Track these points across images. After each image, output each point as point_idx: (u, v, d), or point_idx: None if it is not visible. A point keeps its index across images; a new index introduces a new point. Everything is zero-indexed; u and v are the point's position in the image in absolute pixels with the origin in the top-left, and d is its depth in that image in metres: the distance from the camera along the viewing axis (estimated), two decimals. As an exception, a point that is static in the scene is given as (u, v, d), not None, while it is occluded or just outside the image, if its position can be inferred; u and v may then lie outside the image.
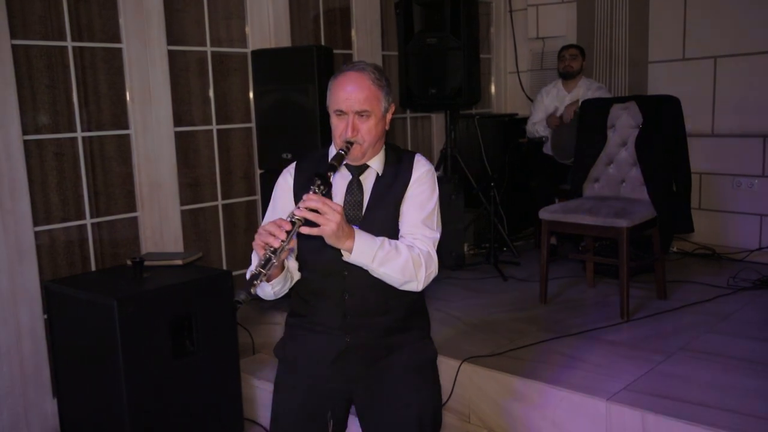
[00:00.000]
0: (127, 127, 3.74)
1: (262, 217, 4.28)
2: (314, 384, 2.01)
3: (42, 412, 3.41)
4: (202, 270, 3.39)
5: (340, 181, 1.95)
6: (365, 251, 1.76)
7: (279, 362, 2.10)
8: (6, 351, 3.27)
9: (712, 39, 4.94)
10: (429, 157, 5.58)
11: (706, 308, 3.66)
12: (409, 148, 5.44)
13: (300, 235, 1.72)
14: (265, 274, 1.62)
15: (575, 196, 4.08)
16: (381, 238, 1.81)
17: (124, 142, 3.74)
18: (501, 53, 6.16)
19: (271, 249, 1.63)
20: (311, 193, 1.70)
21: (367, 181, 1.95)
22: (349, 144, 1.85)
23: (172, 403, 3.07)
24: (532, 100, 5.44)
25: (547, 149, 5.02)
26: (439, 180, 5.05)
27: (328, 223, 1.66)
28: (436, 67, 4.74)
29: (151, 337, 2.97)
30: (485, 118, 5.61)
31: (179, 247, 3.94)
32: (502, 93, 6.22)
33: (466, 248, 4.97)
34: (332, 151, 1.97)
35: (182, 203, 3.98)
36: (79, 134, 3.57)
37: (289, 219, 1.67)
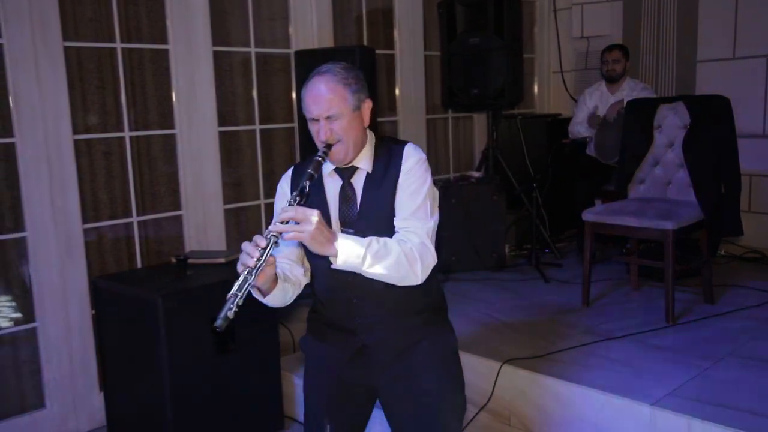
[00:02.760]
0: (172, 127, 3.80)
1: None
2: (337, 379, 2.03)
3: (90, 405, 3.49)
4: (245, 268, 3.42)
5: (333, 186, 1.95)
6: (352, 254, 1.73)
7: (305, 356, 2.14)
8: (56, 345, 3.37)
9: (763, 37, 4.81)
10: (470, 157, 5.57)
11: (755, 313, 3.56)
12: (451, 149, 5.44)
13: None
14: (241, 296, 1.62)
15: (620, 198, 4.02)
16: (369, 238, 1.77)
17: (169, 142, 3.81)
18: (544, 53, 6.09)
19: (248, 269, 1.64)
20: (286, 206, 1.71)
21: (358, 182, 1.93)
22: (328, 147, 1.84)
23: (214, 399, 3.11)
24: (575, 100, 5.37)
25: (591, 150, 4.95)
26: (481, 180, 5.02)
27: (305, 229, 1.65)
28: (479, 68, 4.72)
29: (194, 334, 3.02)
30: (528, 119, 5.56)
31: (222, 246, 4.00)
32: (546, 93, 6.16)
33: (507, 249, 4.94)
34: None
35: (225, 202, 4.04)
36: (127, 134, 3.64)
37: (265, 236, 1.67)
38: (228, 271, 3.31)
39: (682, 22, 5.11)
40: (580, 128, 5.01)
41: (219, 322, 1.60)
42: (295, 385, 3.54)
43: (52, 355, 3.36)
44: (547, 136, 5.36)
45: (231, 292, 1.63)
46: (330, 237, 1.71)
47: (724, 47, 5.00)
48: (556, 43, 5.95)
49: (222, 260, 3.43)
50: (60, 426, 3.40)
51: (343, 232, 1.82)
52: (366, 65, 3.86)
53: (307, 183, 1.76)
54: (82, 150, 3.48)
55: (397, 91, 4.95)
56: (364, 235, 1.79)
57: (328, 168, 1.93)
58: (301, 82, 4.03)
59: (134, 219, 3.69)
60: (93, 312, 3.43)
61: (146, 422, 3.15)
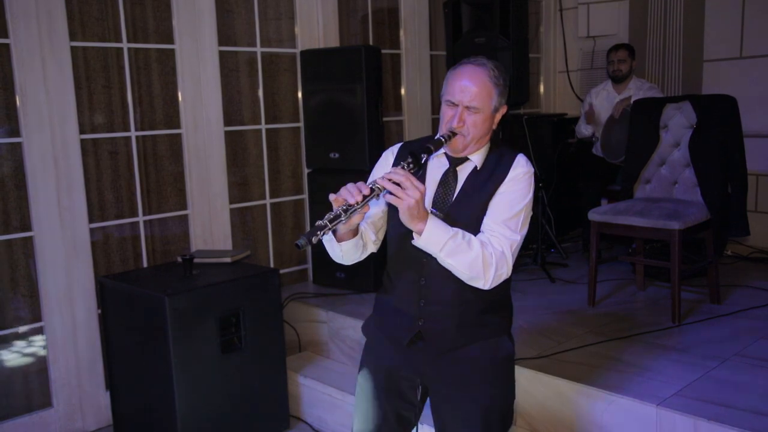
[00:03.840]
0: (178, 127, 3.81)
1: (311, 216, 4.30)
2: (391, 366, 2.04)
3: (95, 404, 3.51)
4: (250, 268, 3.43)
5: (437, 168, 1.98)
6: (435, 238, 1.76)
7: (366, 339, 2.15)
8: (62, 344, 3.38)
9: (771, 36, 4.80)
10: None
11: (762, 314, 3.55)
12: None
13: (390, 211, 1.77)
14: (329, 228, 1.65)
15: (625, 198, 4.01)
16: (456, 229, 1.80)
17: (175, 141, 3.82)
18: (550, 52, 6.08)
19: (344, 206, 1.67)
20: (399, 167, 1.74)
21: (463, 173, 1.96)
22: (452, 134, 1.88)
23: (220, 398, 3.12)
24: (581, 100, 5.35)
25: (597, 150, 4.94)
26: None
27: (407, 198, 1.68)
28: (485, 67, 4.70)
29: (200, 333, 3.03)
30: (533, 118, 5.53)
31: (228, 245, 4.01)
32: (551, 93, 6.15)
33: (512, 249, 4.92)
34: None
35: (231, 202, 4.05)
36: (133, 133, 3.65)
37: (370, 185, 1.70)
38: (234, 271, 3.31)
39: (688, 21, 5.09)
40: (587, 128, 5.00)
41: (301, 241, 1.62)
42: (300, 385, 3.54)
43: (59, 354, 3.37)
44: (553, 135, 5.34)
45: (321, 221, 1.65)
46: (423, 215, 1.74)
47: (731, 46, 4.98)
48: (562, 42, 5.94)
49: (228, 259, 3.44)
50: (66, 425, 3.42)
51: (431, 212, 1.85)
52: (371, 65, 3.86)
53: (425, 156, 1.80)
54: (88, 150, 3.50)
55: (402, 91, 4.95)
56: (450, 223, 1.82)
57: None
58: (307, 81, 4.08)
59: (140, 218, 3.70)
60: (99, 311, 3.44)
61: (152, 421, 3.16)
